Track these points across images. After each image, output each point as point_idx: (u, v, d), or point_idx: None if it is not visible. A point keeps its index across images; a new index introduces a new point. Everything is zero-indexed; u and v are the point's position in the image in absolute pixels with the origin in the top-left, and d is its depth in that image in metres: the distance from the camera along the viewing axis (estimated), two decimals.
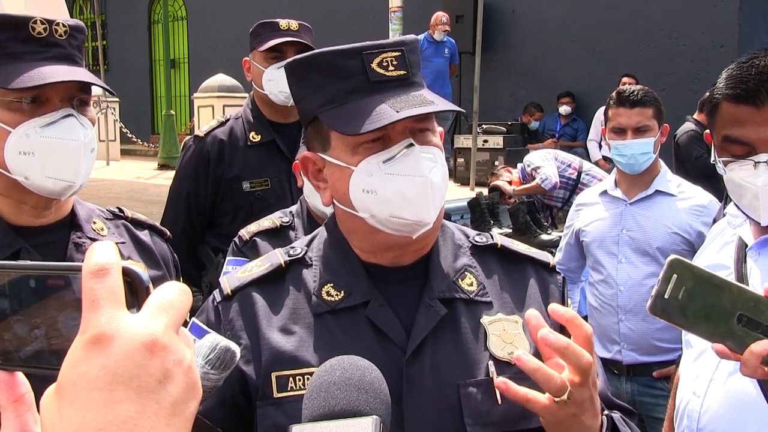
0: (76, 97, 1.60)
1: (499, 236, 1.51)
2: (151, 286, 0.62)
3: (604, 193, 3.31)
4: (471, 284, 1.41)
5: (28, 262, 0.66)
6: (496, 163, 10.08)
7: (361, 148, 1.33)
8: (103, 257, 0.60)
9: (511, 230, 5.82)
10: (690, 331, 1.34)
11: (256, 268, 1.45)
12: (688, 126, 6.77)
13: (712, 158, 1.66)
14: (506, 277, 1.45)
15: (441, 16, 10.80)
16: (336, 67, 1.34)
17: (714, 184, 5.87)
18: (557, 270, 1.51)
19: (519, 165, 6.63)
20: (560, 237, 4.28)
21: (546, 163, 6.14)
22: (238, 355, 0.94)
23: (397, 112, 1.27)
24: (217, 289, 1.45)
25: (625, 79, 9.33)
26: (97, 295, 0.58)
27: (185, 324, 0.59)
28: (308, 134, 1.44)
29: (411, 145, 1.32)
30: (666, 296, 1.29)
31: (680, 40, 10.76)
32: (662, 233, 3.09)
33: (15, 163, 1.56)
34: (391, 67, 1.33)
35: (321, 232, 1.49)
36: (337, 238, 1.44)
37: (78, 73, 1.59)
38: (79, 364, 0.56)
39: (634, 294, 3.11)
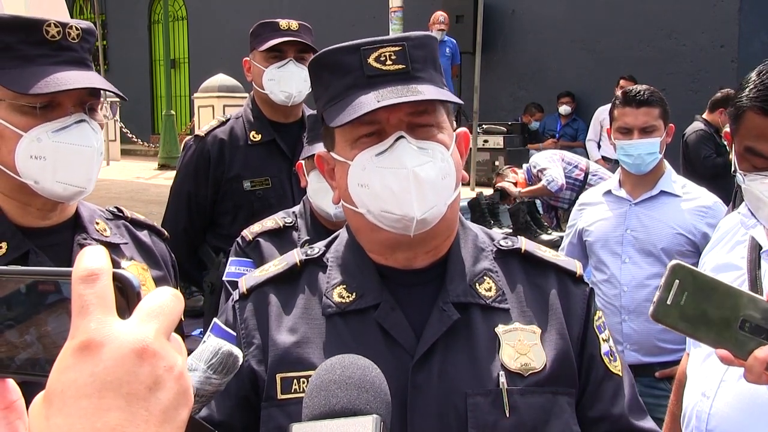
0: (87, 102, 1.59)
1: (525, 241, 1.47)
2: (142, 291, 0.61)
3: (608, 192, 3.29)
4: (489, 289, 1.38)
5: (19, 267, 0.64)
6: (497, 163, 10.09)
7: (358, 143, 1.33)
8: (93, 262, 0.59)
9: (511, 230, 5.81)
10: (693, 338, 1.32)
11: (273, 267, 1.45)
12: (697, 125, 6.76)
13: (733, 168, 1.61)
14: (528, 285, 1.41)
15: (438, 15, 10.76)
16: (339, 63, 1.34)
17: (721, 184, 5.90)
18: (584, 281, 1.45)
19: (525, 165, 6.59)
20: (561, 237, 4.28)
21: (552, 164, 6.10)
22: (241, 360, 0.94)
23: (378, 102, 1.26)
24: (237, 289, 1.44)
25: (623, 82, 9.29)
26: (86, 300, 0.57)
27: (180, 328, 0.58)
28: (322, 133, 1.45)
29: (400, 137, 1.30)
30: (668, 302, 1.27)
31: (680, 40, 10.76)
32: (666, 234, 3.08)
33: (25, 167, 1.54)
34: (389, 62, 1.32)
35: (342, 234, 1.48)
36: (353, 240, 1.43)
37: (93, 79, 1.58)
38: (68, 370, 0.55)
39: (637, 294, 3.10)
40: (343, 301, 1.36)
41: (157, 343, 0.57)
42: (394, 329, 1.32)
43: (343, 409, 0.94)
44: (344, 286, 1.37)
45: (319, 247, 1.46)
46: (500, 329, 1.34)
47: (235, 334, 1.38)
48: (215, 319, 1.45)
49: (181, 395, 0.58)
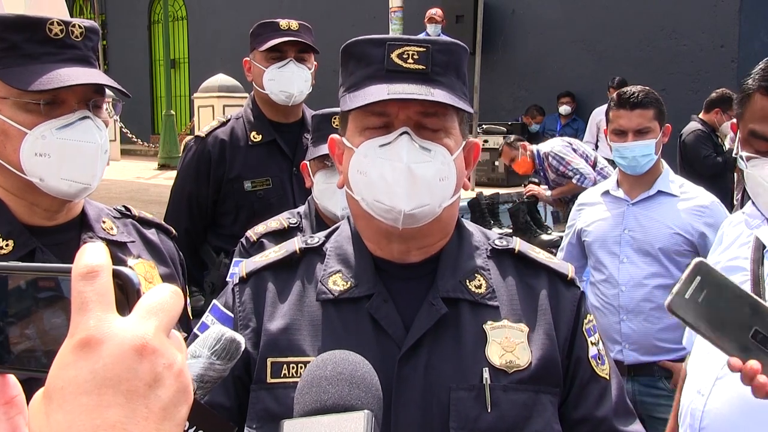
0: (91, 99, 1.59)
1: (519, 241, 1.49)
2: (142, 288, 0.61)
3: (606, 193, 3.30)
4: (479, 286, 1.40)
5: (19, 264, 0.64)
6: (497, 163, 10.09)
7: (366, 132, 1.37)
8: (93, 259, 0.58)
9: (511, 230, 5.81)
10: (702, 336, 1.31)
11: (273, 253, 1.49)
12: (694, 125, 6.78)
13: (735, 151, 1.63)
14: (520, 284, 1.43)
15: (431, 11, 10.58)
16: (363, 54, 1.38)
17: (719, 183, 5.88)
18: (576, 284, 1.47)
19: (534, 147, 6.27)
20: (561, 237, 4.28)
21: (572, 155, 5.84)
22: (243, 346, 0.95)
23: (388, 94, 1.30)
24: (236, 273, 1.49)
25: (612, 90, 9.21)
26: (86, 297, 0.57)
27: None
28: (339, 118, 1.51)
29: (405, 133, 1.33)
30: (686, 296, 1.27)
31: (680, 40, 10.76)
32: (664, 234, 3.09)
33: (30, 165, 1.54)
34: (410, 60, 1.36)
35: (342, 225, 1.51)
36: (353, 231, 1.47)
37: (95, 76, 1.58)
38: (68, 367, 0.55)
39: (635, 294, 3.11)
40: (338, 289, 1.39)
41: (156, 340, 0.57)
42: (384, 320, 1.36)
43: (335, 405, 0.95)
44: (340, 275, 1.41)
45: (319, 236, 1.50)
46: (488, 326, 1.37)
47: (231, 315, 1.42)
48: (215, 301, 1.49)
49: (181, 392, 0.58)
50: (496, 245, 1.47)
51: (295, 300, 1.40)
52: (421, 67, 1.35)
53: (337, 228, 1.52)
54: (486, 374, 1.32)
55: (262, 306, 1.41)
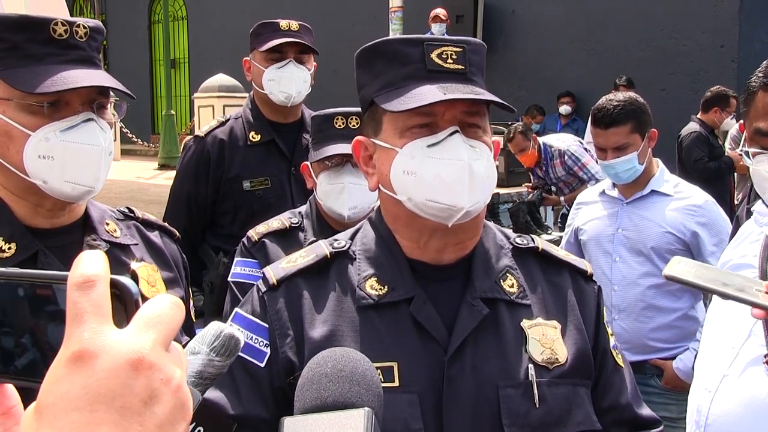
0: (96, 100, 1.57)
1: (540, 240, 1.52)
2: (140, 299, 0.59)
3: (603, 192, 3.32)
4: (512, 286, 1.42)
5: (15, 270, 0.63)
6: (497, 163, 10.08)
7: (408, 132, 1.36)
8: (90, 268, 0.57)
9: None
10: (707, 291, 1.31)
11: (301, 258, 1.46)
12: (692, 126, 6.75)
13: (740, 147, 1.64)
14: (546, 282, 1.46)
15: (435, 11, 10.59)
16: (399, 54, 1.38)
17: (717, 184, 5.84)
18: (593, 279, 1.52)
19: (541, 141, 6.21)
20: (560, 237, 4.29)
21: (588, 157, 5.74)
22: (243, 343, 0.94)
23: (444, 94, 1.30)
24: (261, 280, 1.46)
25: (622, 89, 9.19)
26: (81, 308, 0.55)
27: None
28: (363, 120, 1.49)
29: (456, 132, 1.34)
30: (678, 267, 1.29)
31: (680, 40, 10.76)
32: (656, 233, 3.09)
33: (34, 167, 1.52)
34: (450, 60, 1.36)
35: (364, 227, 1.50)
36: (382, 233, 1.45)
37: (101, 78, 1.57)
38: (60, 382, 0.53)
39: (628, 293, 3.12)
40: (377, 293, 1.39)
41: (153, 354, 0.55)
42: (428, 323, 1.36)
43: (335, 402, 0.95)
44: (376, 279, 1.40)
45: (343, 239, 1.48)
46: (525, 324, 1.40)
47: (264, 324, 1.39)
48: (237, 309, 1.45)
49: (179, 409, 0.56)
50: (518, 244, 1.49)
51: (333, 306, 1.39)
52: (460, 67, 1.37)
53: (358, 230, 1.50)
54: (531, 371, 1.35)
55: (299, 313, 1.39)
